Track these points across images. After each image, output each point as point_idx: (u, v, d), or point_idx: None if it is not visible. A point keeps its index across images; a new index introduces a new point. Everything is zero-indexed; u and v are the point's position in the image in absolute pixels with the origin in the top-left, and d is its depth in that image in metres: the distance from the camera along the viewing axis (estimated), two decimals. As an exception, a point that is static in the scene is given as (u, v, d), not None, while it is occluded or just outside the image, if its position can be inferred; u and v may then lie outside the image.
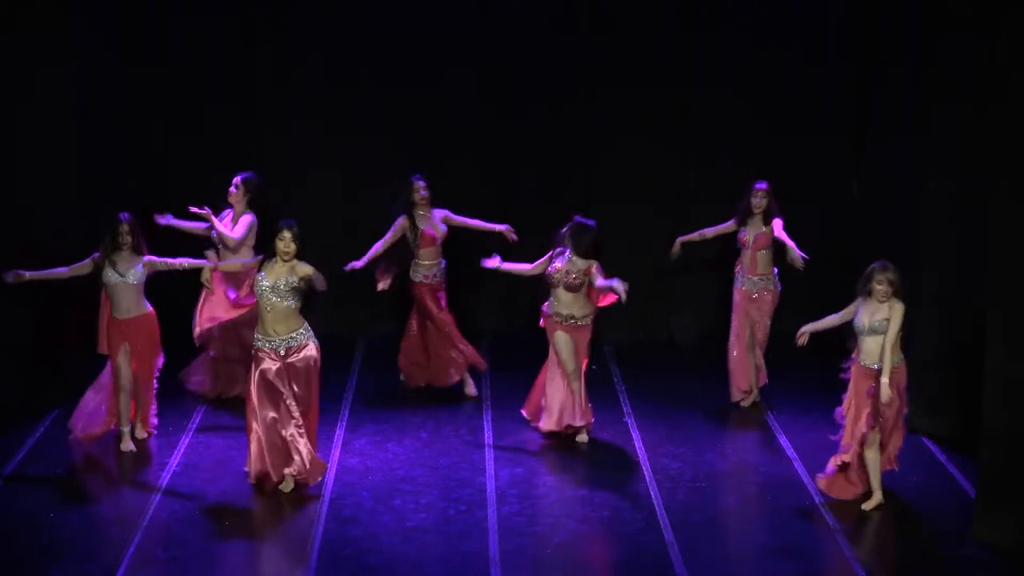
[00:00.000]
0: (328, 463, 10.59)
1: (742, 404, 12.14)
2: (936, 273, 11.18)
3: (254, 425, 10.11)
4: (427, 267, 12.22)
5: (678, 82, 13.75)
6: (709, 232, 12.14)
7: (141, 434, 11.15)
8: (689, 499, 10.32)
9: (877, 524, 10.01)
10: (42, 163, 11.97)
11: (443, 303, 12.34)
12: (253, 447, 10.15)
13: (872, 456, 10.05)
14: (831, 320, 10.23)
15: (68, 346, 11.99)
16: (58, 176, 12.09)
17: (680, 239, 12.19)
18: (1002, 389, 9.45)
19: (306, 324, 10.21)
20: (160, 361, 11.20)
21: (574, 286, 11.05)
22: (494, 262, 11.38)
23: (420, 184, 12.17)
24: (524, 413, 11.57)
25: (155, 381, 11.19)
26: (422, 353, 12.45)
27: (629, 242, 13.71)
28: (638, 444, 11.33)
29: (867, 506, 10.07)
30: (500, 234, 12.16)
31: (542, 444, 11.29)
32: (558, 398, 11.23)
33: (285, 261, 10.09)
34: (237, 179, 11.89)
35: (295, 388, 10.12)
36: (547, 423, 11.28)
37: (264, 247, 10.38)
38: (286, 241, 10.08)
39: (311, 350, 10.16)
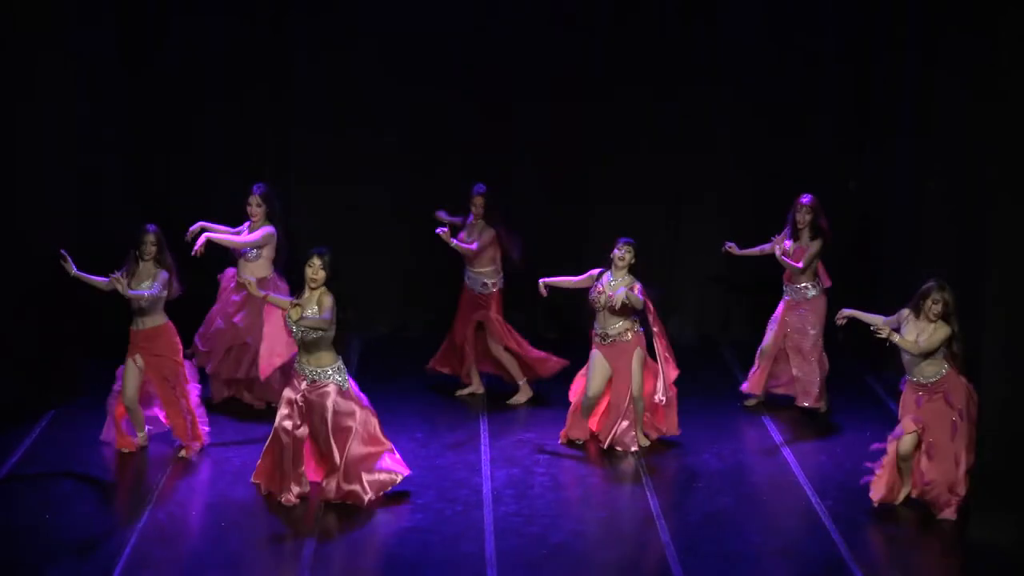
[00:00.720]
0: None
1: (745, 403, 12.14)
2: (934, 274, 11.15)
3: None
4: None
5: (677, 82, 13.74)
6: (766, 248, 12.03)
7: (191, 452, 10.93)
8: (686, 499, 10.34)
9: (873, 524, 10.00)
10: (41, 164, 11.97)
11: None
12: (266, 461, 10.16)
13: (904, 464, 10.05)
14: (874, 318, 10.16)
15: (65, 347, 11.98)
16: (57, 177, 12.08)
17: (740, 251, 12.12)
18: (998, 389, 9.45)
19: (339, 363, 10.08)
20: (185, 371, 11.01)
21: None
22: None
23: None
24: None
25: (187, 390, 10.97)
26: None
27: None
28: (635, 444, 11.24)
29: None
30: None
31: (538, 445, 11.29)
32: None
33: (312, 289, 9.98)
34: (255, 193, 11.79)
35: (312, 421, 10.02)
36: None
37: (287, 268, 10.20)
38: (315, 268, 9.96)
39: (330, 389, 9.99)
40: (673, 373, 11.08)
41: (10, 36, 11.67)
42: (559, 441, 11.27)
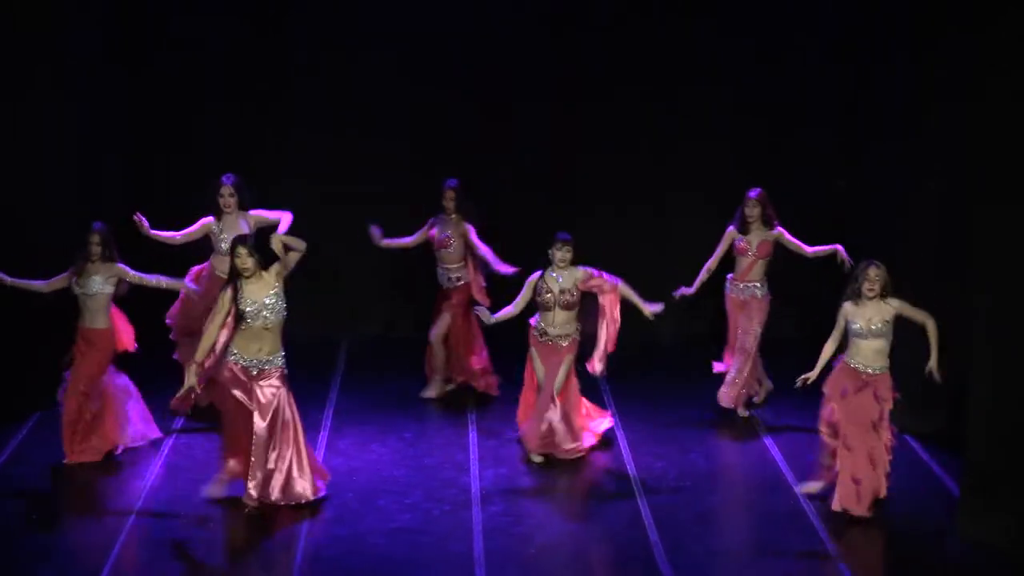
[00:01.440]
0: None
1: (739, 412, 12.05)
2: (923, 272, 11.21)
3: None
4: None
5: (674, 82, 13.76)
6: (712, 263, 11.97)
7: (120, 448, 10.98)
8: (673, 498, 10.35)
9: (861, 522, 9.97)
10: (40, 164, 11.98)
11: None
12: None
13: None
14: (827, 351, 10.11)
15: (50, 348, 11.93)
16: (55, 178, 12.11)
17: (692, 289, 11.98)
18: (988, 388, 9.49)
19: (282, 350, 10.06)
20: (106, 378, 10.92)
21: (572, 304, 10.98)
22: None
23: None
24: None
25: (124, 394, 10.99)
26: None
27: (620, 242, 13.71)
28: (623, 444, 11.35)
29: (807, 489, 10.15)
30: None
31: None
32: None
33: (249, 277, 9.85)
34: (228, 184, 11.70)
35: (269, 413, 9.95)
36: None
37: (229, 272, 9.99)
38: (243, 258, 9.82)
39: (276, 378, 9.95)
40: (611, 346, 11.00)
41: (9, 36, 11.68)
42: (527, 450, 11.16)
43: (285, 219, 11.37)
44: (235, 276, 9.85)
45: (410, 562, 9.27)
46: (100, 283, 10.73)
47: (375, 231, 12.12)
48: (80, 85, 12.51)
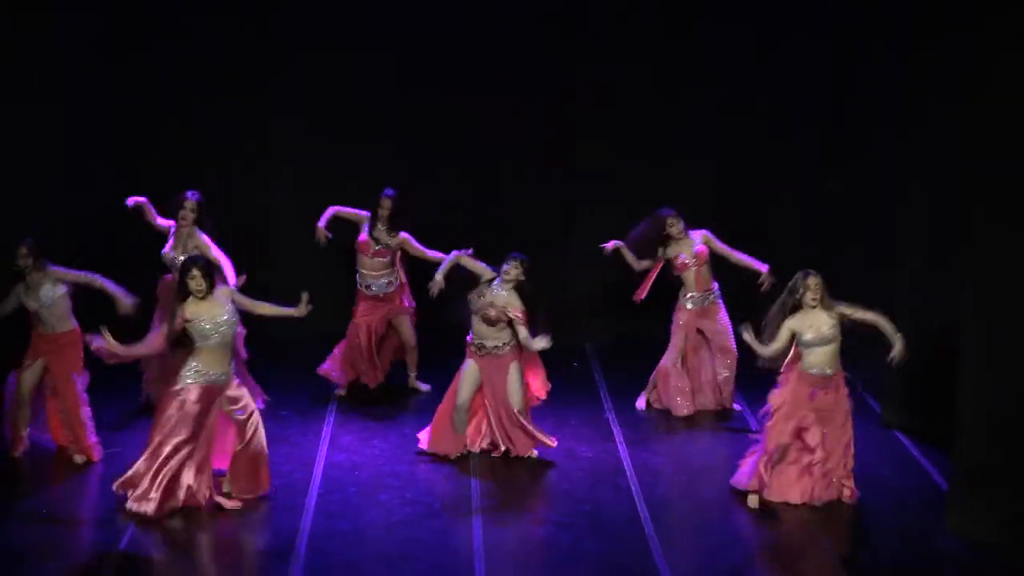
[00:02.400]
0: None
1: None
2: (909, 267, 11.26)
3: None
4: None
5: (668, 83, 13.84)
6: (638, 266, 12.05)
7: (79, 459, 10.78)
8: (669, 493, 10.43)
9: (852, 516, 10.10)
10: (35, 162, 12.07)
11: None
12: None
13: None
14: (766, 350, 10.06)
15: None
16: (48, 174, 12.23)
17: (617, 247, 12.04)
18: (975, 385, 9.54)
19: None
20: (84, 380, 10.84)
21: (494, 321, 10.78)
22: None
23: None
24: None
25: (82, 400, 10.78)
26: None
27: (610, 240, 13.87)
28: (619, 439, 11.42)
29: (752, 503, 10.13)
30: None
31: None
32: None
33: (201, 298, 9.81)
34: (192, 200, 11.61)
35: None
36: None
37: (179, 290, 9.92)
38: (197, 280, 9.78)
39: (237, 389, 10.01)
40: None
41: (3, 35, 11.76)
42: (422, 447, 11.09)
43: (229, 275, 11.15)
44: (186, 295, 9.82)
45: (411, 555, 9.32)
46: (51, 290, 10.63)
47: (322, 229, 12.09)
48: (69, 88, 12.54)
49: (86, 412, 10.82)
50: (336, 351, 12.46)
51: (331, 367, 12.46)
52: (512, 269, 10.71)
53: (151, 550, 9.46)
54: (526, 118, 13.84)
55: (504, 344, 10.82)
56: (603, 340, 13.91)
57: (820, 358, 9.96)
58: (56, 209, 12.32)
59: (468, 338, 10.92)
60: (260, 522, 9.93)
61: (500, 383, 10.85)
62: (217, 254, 11.35)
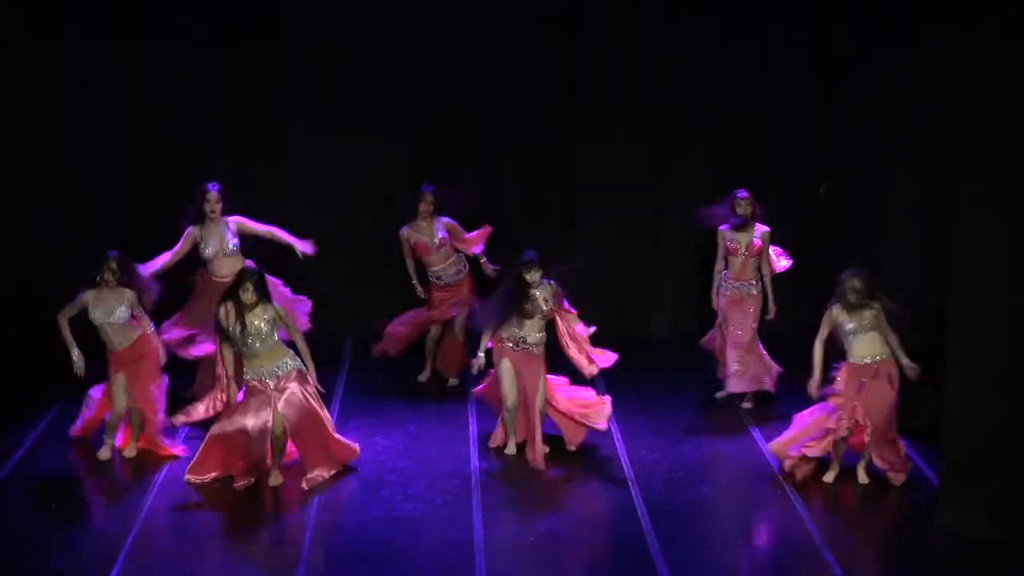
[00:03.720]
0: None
1: (718, 396, 12.27)
2: (901, 268, 11.23)
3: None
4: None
5: (655, 84, 13.83)
6: (719, 267, 12.17)
7: (129, 453, 10.93)
8: (666, 488, 10.48)
9: (846, 512, 10.21)
10: (38, 173, 12.11)
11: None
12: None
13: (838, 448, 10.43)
14: (818, 351, 10.48)
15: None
16: (54, 186, 12.23)
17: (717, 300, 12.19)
18: (962, 384, 9.60)
19: (291, 352, 10.38)
20: (163, 385, 11.00)
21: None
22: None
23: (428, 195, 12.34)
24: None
25: (160, 407, 10.91)
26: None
27: (609, 240, 13.94)
28: (617, 436, 11.46)
29: (828, 478, 10.46)
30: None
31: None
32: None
33: (250, 309, 10.16)
34: (214, 191, 11.77)
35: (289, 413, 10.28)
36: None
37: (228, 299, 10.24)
38: (248, 293, 10.08)
39: (295, 377, 10.30)
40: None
41: (5, 37, 11.80)
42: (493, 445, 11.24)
43: (274, 232, 11.74)
44: (236, 304, 10.13)
45: (413, 549, 9.40)
46: (124, 310, 10.66)
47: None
48: (76, 94, 12.56)
49: (161, 418, 10.92)
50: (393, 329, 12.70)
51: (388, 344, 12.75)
52: (533, 273, 10.78)
53: (156, 546, 9.55)
54: (526, 118, 13.86)
55: (542, 342, 10.89)
56: (601, 337, 13.94)
57: (864, 346, 10.33)
58: (60, 210, 12.41)
59: (500, 338, 10.94)
60: (264, 517, 10.03)
61: (533, 379, 10.89)
62: (263, 228, 11.82)
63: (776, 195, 12.63)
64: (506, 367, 10.90)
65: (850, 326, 10.36)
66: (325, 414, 10.54)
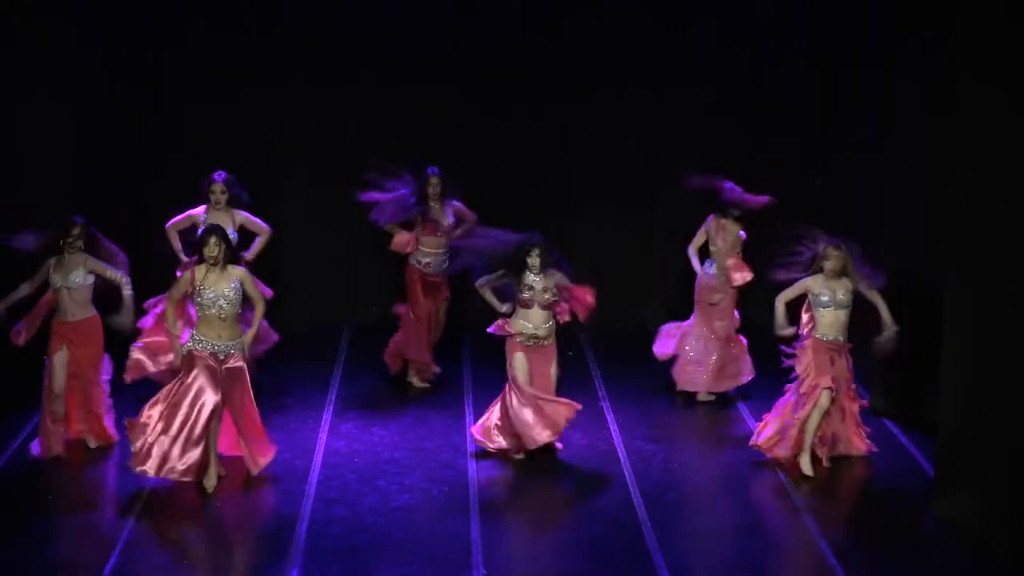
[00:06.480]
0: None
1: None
2: (896, 259, 11.36)
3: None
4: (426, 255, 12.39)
5: (658, 84, 13.90)
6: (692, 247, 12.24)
7: (92, 444, 10.84)
8: (662, 479, 10.52)
9: (840, 501, 10.27)
10: (37, 172, 12.13)
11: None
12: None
13: (813, 419, 10.46)
14: (780, 305, 10.62)
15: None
16: (53, 185, 12.26)
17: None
18: (958, 371, 9.66)
19: (243, 333, 10.28)
20: (106, 367, 10.94)
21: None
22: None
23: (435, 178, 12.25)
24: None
25: (105, 387, 10.87)
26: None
27: (605, 237, 14.02)
28: (613, 427, 11.51)
29: (805, 469, 10.47)
30: None
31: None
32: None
33: (212, 266, 10.06)
34: (219, 181, 11.76)
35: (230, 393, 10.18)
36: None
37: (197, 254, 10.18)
38: (211, 247, 10.01)
39: (239, 360, 10.18)
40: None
41: (5, 37, 11.84)
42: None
43: (263, 236, 11.65)
44: (200, 261, 10.09)
45: (409, 540, 9.42)
46: (82, 276, 10.58)
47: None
48: (75, 94, 12.58)
49: (107, 401, 10.89)
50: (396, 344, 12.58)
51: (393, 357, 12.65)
52: (536, 259, 10.67)
53: (152, 535, 9.57)
54: (526, 118, 13.89)
55: (552, 333, 10.81)
56: (597, 331, 13.98)
57: (833, 324, 10.45)
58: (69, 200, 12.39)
59: (491, 329, 10.91)
60: (260, 507, 10.06)
61: (545, 373, 10.85)
62: (259, 225, 11.76)
63: (772, 190, 12.69)
64: (520, 361, 10.79)
65: (824, 298, 10.49)
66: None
